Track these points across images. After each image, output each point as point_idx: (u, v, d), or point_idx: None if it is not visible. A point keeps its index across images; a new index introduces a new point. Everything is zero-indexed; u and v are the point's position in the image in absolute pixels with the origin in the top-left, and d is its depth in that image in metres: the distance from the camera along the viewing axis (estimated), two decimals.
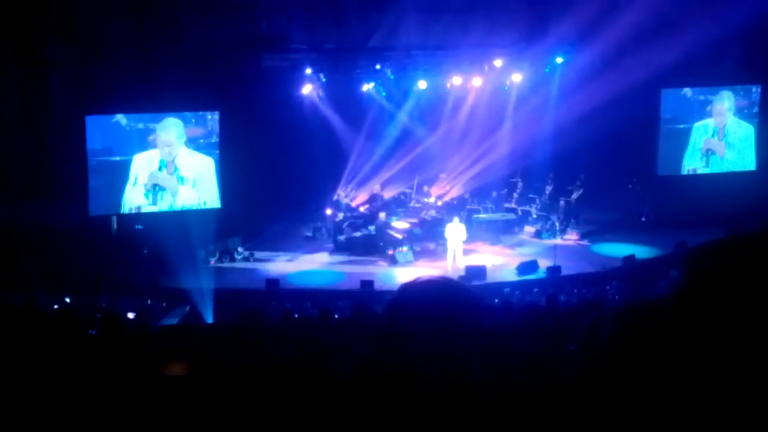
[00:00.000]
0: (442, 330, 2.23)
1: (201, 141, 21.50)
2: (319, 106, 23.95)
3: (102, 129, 20.74)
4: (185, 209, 21.43)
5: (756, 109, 24.60)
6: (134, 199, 21.00)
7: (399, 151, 24.80)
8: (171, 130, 21.14)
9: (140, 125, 20.97)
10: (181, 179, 21.35)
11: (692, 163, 24.38)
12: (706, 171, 24.43)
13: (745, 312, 1.94)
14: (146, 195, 21.09)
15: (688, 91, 24.17)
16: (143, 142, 20.97)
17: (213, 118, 21.57)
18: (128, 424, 5.09)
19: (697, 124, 24.28)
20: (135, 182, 20.95)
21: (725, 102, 24.31)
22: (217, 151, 21.60)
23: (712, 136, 24.40)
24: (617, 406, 2.16)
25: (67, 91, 20.97)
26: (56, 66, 21.02)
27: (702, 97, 24.28)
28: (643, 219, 23.73)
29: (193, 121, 21.46)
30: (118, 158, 20.78)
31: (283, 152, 23.00)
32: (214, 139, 21.57)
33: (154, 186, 21.15)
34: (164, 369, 6.77)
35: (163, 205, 21.29)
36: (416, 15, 23.15)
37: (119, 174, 20.85)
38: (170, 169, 21.27)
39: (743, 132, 24.59)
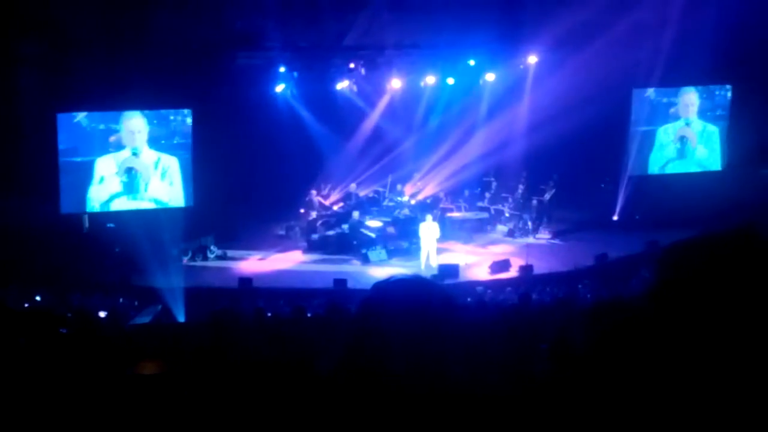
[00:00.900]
0: (415, 328, 2.23)
1: (163, 142, 21.44)
2: (293, 105, 23.92)
3: (65, 129, 20.63)
4: (155, 203, 21.39)
5: (719, 112, 24.88)
6: (105, 192, 20.94)
7: (373, 149, 24.79)
8: (136, 119, 21.14)
9: (101, 126, 20.88)
10: (149, 168, 21.36)
11: (663, 159, 24.63)
12: (679, 164, 24.74)
13: (716, 310, 1.97)
14: (121, 183, 21.06)
15: (651, 93, 24.33)
16: (105, 143, 20.88)
17: (175, 119, 21.52)
18: (101, 423, 5.06)
19: (662, 128, 24.52)
20: (102, 180, 20.88)
21: (692, 98, 24.59)
22: (181, 152, 21.56)
23: (686, 123, 24.76)
24: (590, 405, 2.18)
25: (39, 88, 20.78)
26: (28, 63, 20.83)
27: (665, 99, 24.47)
28: (615, 218, 23.94)
29: (155, 122, 21.37)
30: (79, 159, 20.67)
31: (256, 150, 22.95)
32: (177, 140, 21.51)
33: (129, 170, 21.12)
34: (136, 368, 6.73)
35: (137, 195, 21.28)
36: (390, 14, 23.15)
37: (83, 175, 20.76)
38: (142, 158, 21.30)
39: (709, 132, 24.90)
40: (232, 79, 22.28)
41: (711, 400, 1.93)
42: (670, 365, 2.00)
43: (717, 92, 24.93)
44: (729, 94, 24.96)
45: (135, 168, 21.21)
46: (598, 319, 2.36)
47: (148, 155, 21.35)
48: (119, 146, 21.06)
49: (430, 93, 25.20)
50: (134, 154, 21.16)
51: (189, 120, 21.70)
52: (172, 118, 21.53)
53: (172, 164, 21.55)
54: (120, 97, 20.68)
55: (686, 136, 24.77)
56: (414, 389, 2.18)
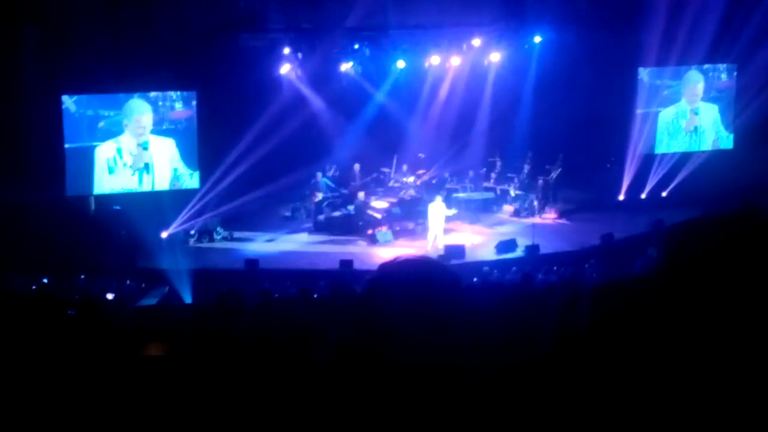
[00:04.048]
0: (421, 309, 2.23)
1: (154, 127, 21.51)
2: (298, 86, 23.84)
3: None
4: (165, 190, 21.48)
5: (713, 93, 24.77)
6: (117, 183, 21.16)
7: (378, 130, 24.71)
8: (143, 107, 21.24)
9: (90, 112, 20.87)
10: (150, 166, 21.51)
11: (672, 146, 24.54)
12: (689, 149, 24.67)
13: (722, 290, 1.96)
14: (133, 174, 21.31)
15: (646, 75, 24.13)
16: (93, 130, 20.90)
17: (164, 104, 21.49)
18: (107, 404, 5.08)
19: (663, 111, 24.38)
20: (111, 170, 20.94)
21: (698, 84, 24.47)
22: (171, 137, 21.73)
23: (694, 113, 24.62)
24: (595, 385, 2.18)
25: (43, 71, 20.73)
26: (30, 46, 20.78)
27: (659, 81, 24.28)
28: (621, 198, 23.90)
29: (149, 106, 21.45)
30: (68, 146, 20.67)
31: (262, 132, 22.90)
32: (165, 126, 21.55)
33: (146, 165, 21.31)
34: (143, 350, 6.77)
35: (147, 185, 21.51)
36: None
37: (82, 160, 20.78)
38: (150, 149, 21.39)
39: (712, 114, 24.82)
40: (236, 61, 22.24)
41: (717, 380, 1.93)
42: (676, 345, 1.99)
43: (710, 73, 24.79)
44: (724, 76, 24.86)
45: (148, 162, 21.50)
46: (604, 298, 2.36)
47: (155, 144, 21.55)
48: (110, 133, 21.07)
49: (435, 73, 25.11)
50: (144, 147, 21.29)
51: (178, 105, 21.72)
52: (160, 104, 21.58)
53: (171, 149, 21.71)
54: (124, 79, 20.64)
55: (696, 125, 24.72)
56: (419, 370, 2.18)
